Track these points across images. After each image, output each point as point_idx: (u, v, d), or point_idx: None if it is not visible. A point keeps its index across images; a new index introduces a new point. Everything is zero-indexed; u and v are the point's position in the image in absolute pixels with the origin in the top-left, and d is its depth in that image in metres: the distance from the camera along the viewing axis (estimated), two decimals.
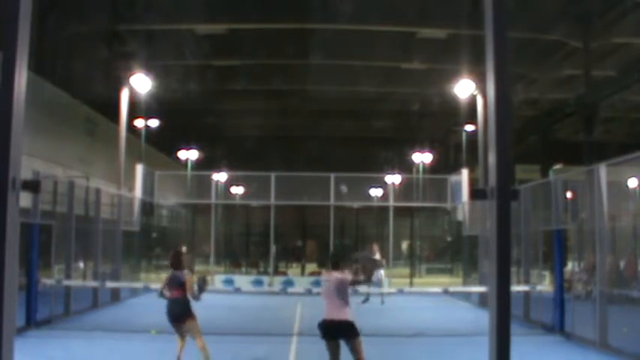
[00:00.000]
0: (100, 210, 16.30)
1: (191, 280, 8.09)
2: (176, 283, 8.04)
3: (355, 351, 6.58)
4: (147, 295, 17.74)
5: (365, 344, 6.56)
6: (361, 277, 7.77)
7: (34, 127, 19.41)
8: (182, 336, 8.07)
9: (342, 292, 6.62)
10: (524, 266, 14.28)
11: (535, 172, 29.80)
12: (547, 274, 15.82)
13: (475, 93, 20.95)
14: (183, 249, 19.40)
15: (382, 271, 18.51)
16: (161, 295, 8.23)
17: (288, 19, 21.34)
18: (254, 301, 18.46)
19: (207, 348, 7.88)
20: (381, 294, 17.73)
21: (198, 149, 36.78)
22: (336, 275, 6.75)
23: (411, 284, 23.33)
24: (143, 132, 27.59)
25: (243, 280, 22.55)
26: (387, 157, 37.60)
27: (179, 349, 8.02)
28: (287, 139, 39.15)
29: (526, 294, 13.71)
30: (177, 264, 8.23)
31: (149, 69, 21.76)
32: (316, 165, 28.02)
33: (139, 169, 21.06)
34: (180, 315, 7.96)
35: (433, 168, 35.27)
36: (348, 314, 6.60)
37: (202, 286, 8.33)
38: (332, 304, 6.65)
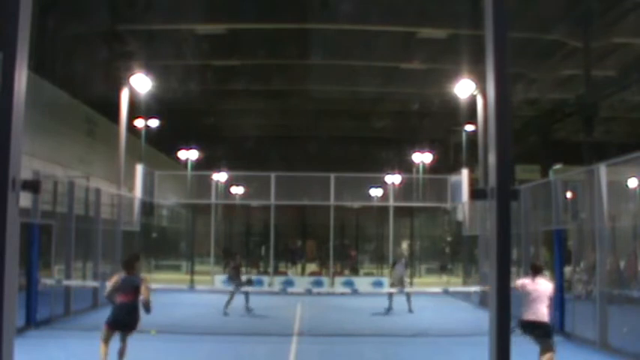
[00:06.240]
0: (100, 210, 16.31)
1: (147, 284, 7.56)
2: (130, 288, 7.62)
3: (544, 350, 7.41)
4: None
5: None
6: None
7: (34, 127, 19.40)
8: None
9: (548, 299, 7.54)
10: (524, 266, 14.28)
11: (535, 172, 29.79)
12: (547, 274, 15.81)
13: (475, 93, 20.96)
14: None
15: (406, 279, 18.03)
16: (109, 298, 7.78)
17: (288, 19, 21.31)
18: (254, 301, 18.43)
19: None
20: (408, 300, 16.14)
21: (198, 149, 36.78)
22: (544, 282, 7.67)
23: (411, 284, 23.32)
24: (143, 132, 27.58)
25: None
26: (387, 157, 37.58)
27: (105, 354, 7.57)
28: (287, 139, 39.11)
29: None
30: (130, 268, 7.87)
31: (149, 69, 21.76)
32: (316, 165, 27.99)
33: (139, 169, 21.06)
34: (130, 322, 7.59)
35: (433, 168, 35.23)
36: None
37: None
38: (538, 307, 7.49)
